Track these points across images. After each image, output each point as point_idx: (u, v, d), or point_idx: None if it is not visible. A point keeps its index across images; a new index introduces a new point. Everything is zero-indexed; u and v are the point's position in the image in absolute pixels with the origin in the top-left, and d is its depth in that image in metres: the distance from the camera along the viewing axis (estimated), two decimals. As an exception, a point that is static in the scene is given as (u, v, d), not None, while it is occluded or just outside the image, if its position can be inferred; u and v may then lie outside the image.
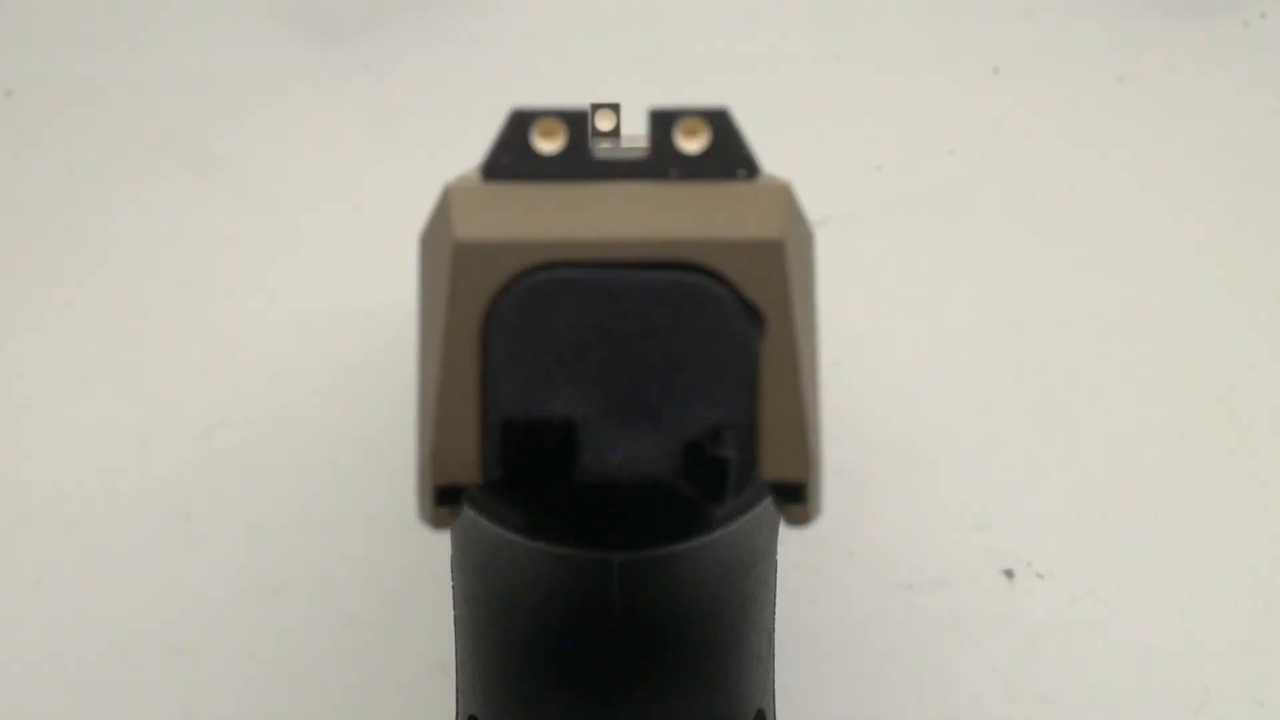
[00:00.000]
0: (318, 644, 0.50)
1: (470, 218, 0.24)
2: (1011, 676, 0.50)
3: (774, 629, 0.32)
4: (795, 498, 0.24)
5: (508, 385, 0.23)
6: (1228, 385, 0.53)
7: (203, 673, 0.50)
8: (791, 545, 0.32)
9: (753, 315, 0.23)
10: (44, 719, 0.50)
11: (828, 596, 0.50)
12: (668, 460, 0.23)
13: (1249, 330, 0.54)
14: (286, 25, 0.57)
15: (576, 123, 0.25)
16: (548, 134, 0.25)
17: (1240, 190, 0.56)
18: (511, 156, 0.25)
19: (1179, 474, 0.52)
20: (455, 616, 0.31)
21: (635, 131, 0.34)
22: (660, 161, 0.25)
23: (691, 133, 0.25)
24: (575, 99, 0.31)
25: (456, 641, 0.31)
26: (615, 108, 0.40)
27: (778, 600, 0.32)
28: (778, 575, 0.31)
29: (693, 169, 0.25)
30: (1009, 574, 0.51)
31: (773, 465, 0.23)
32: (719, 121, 0.25)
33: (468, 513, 0.28)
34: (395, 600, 0.50)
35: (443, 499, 0.24)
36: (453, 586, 0.31)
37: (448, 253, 0.23)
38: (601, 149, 0.27)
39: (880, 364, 0.53)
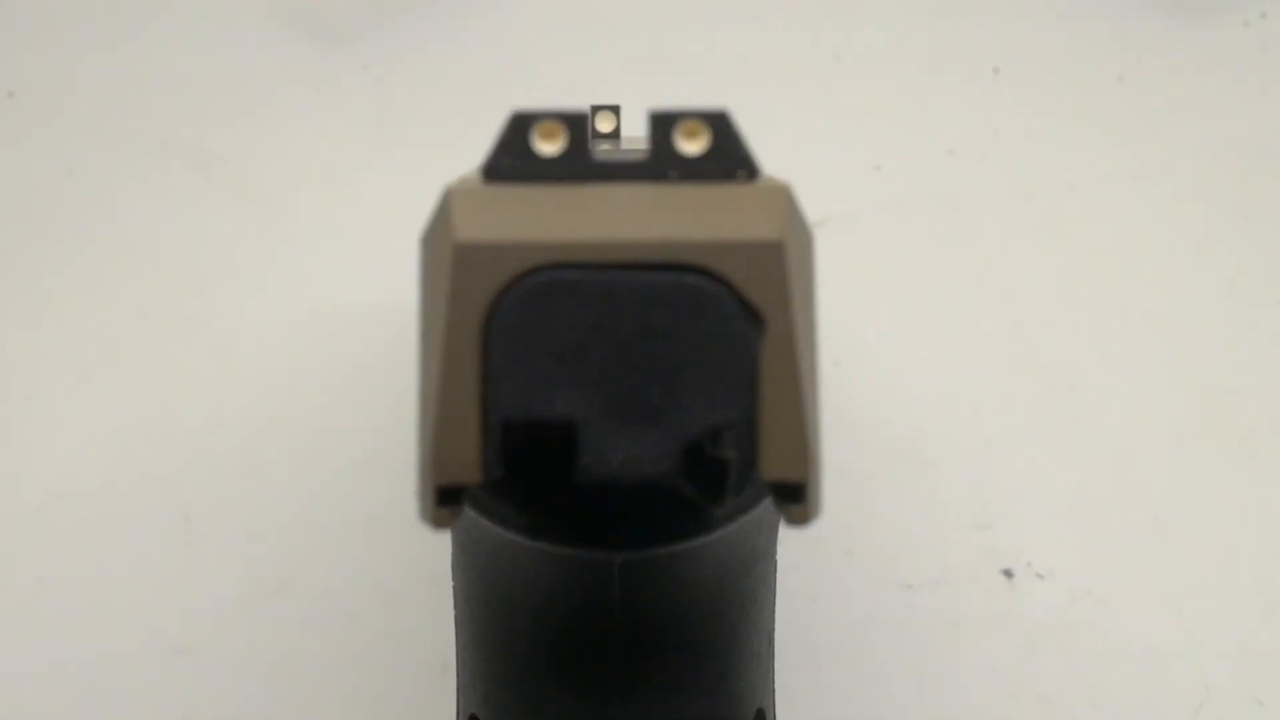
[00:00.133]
0: (318, 644, 0.50)
1: (471, 219, 0.24)
2: (1011, 676, 0.50)
3: (774, 629, 0.32)
4: (795, 498, 0.24)
5: (508, 386, 0.23)
6: (1228, 385, 0.53)
7: (203, 673, 0.50)
8: (791, 545, 0.33)
9: (752, 316, 0.23)
10: (44, 719, 0.50)
11: (828, 596, 0.50)
12: (668, 460, 0.23)
13: (1249, 330, 0.54)
14: (286, 25, 0.57)
15: (576, 124, 0.25)
16: (548, 136, 0.25)
17: (1240, 190, 0.56)
18: (512, 158, 0.25)
19: (1179, 474, 0.52)
20: (456, 616, 0.31)
21: (635, 133, 0.34)
22: (660, 163, 0.25)
23: (691, 134, 0.25)
24: (575, 100, 0.31)
25: (457, 641, 0.31)
26: (615, 109, 0.40)
27: (778, 600, 0.32)
28: (778, 575, 0.31)
29: (692, 170, 0.25)
30: (1009, 574, 0.51)
31: (772, 465, 0.23)
32: (719, 123, 0.25)
33: (468, 513, 0.28)
34: (396, 600, 0.50)
35: (443, 499, 0.24)
36: (453, 586, 0.31)
37: (448, 254, 0.23)
38: (601, 151, 0.27)
39: (880, 364, 0.53)
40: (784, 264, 0.23)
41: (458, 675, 0.32)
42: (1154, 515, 0.51)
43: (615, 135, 0.40)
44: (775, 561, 0.31)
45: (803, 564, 0.50)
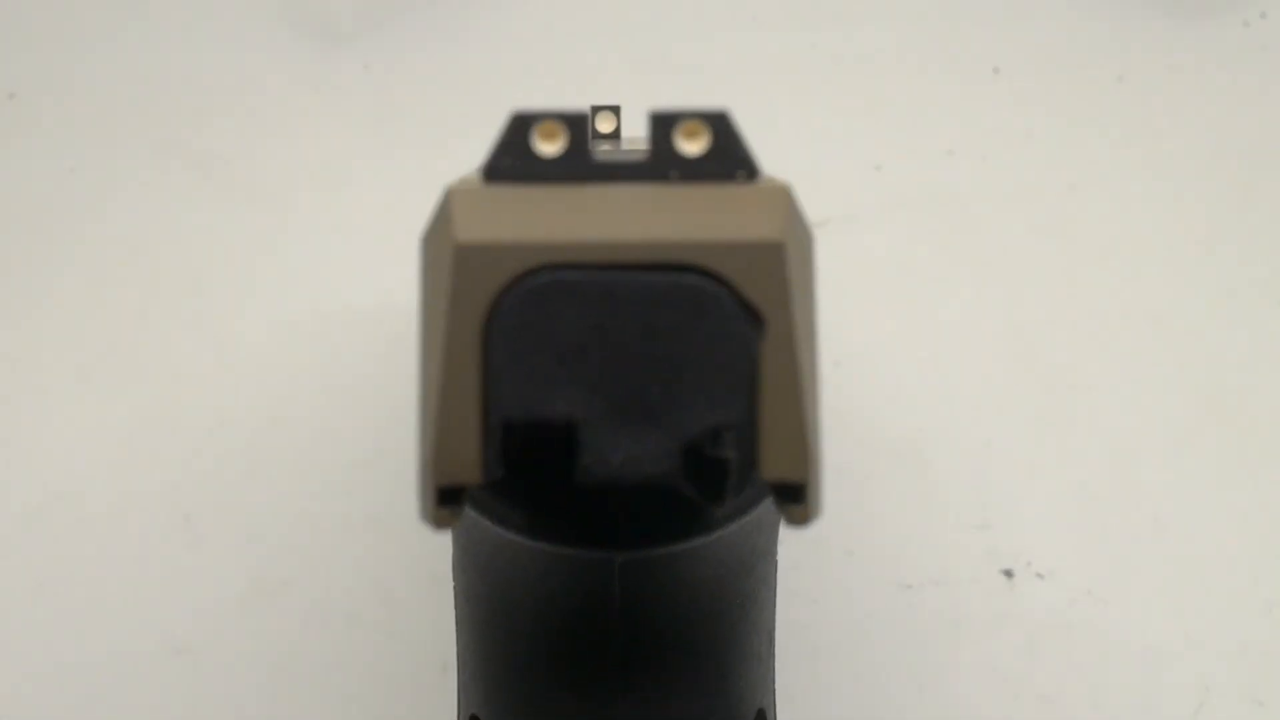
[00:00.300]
0: (319, 644, 0.50)
1: (471, 220, 0.24)
2: (1011, 676, 0.50)
3: (774, 628, 0.32)
4: (795, 498, 0.24)
5: (509, 386, 0.23)
6: (1228, 385, 0.53)
7: (203, 673, 0.50)
8: (792, 545, 0.33)
9: (753, 317, 0.23)
10: (44, 719, 0.50)
11: (828, 596, 0.50)
12: (668, 461, 0.23)
13: (1249, 330, 0.54)
14: (286, 26, 0.57)
15: (577, 125, 0.25)
16: (548, 136, 0.25)
17: (1240, 190, 0.56)
18: (512, 158, 0.25)
19: (1179, 474, 0.52)
20: (456, 616, 0.31)
21: (635, 133, 0.34)
22: (660, 163, 0.25)
23: (691, 135, 0.25)
24: (575, 101, 0.31)
25: (458, 641, 0.31)
26: (615, 110, 0.40)
27: (778, 600, 0.32)
28: (778, 575, 0.31)
29: (693, 171, 0.25)
30: (1009, 574, 0.51)
31: (773, 465, 0.23)
32: (719, 124, 0.25)
33: (469, 513, 0.28)
34: (396, 600, 0.50)
35: (444, 499, 0.24)
36: (454, 586, 0.31)
37: (449, 254, 0.23)
38: (602, 151, 0.27)
39: (880, 364, 0.53)
40: (784, 264, 0.23)
41: (458, 675, 0.32)
42: (1154, 515, 0.51)
43: (615, 135, 0.40)
44: (776, 561, 0.31)
45: (803, 564, 0.50)
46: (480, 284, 0.23)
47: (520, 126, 0.25)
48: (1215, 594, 0.51)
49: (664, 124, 0.25)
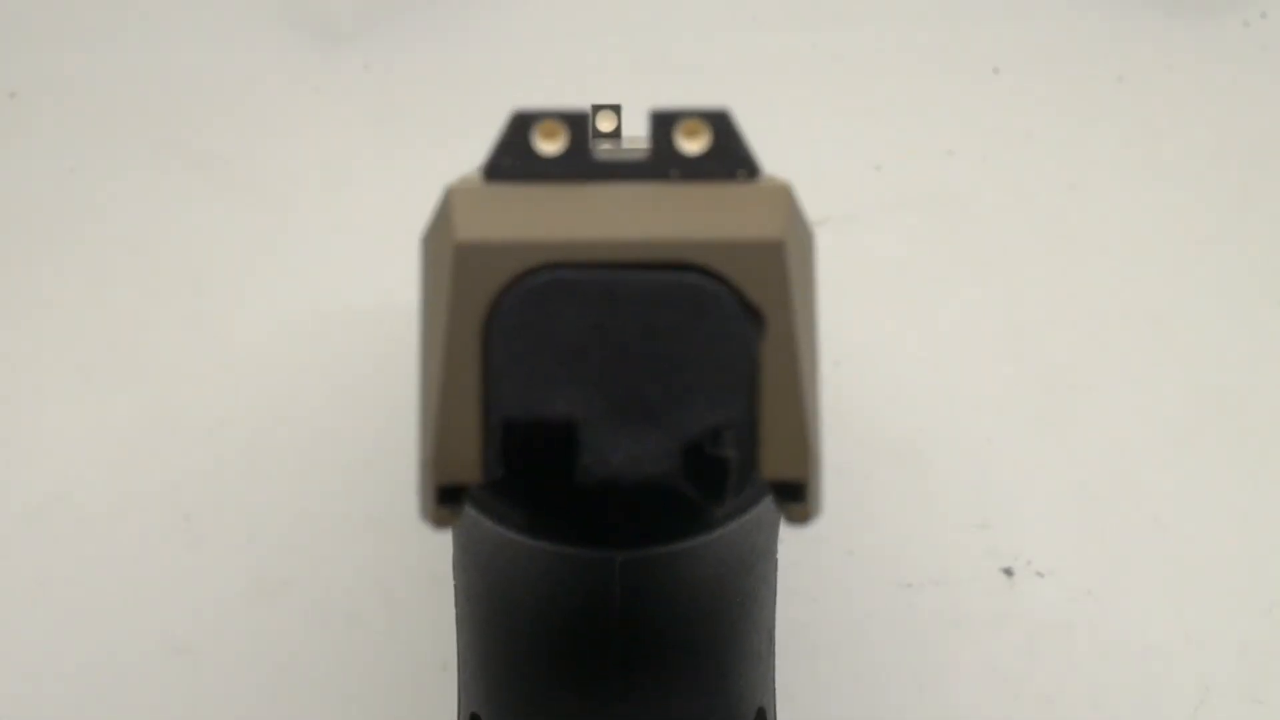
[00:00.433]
0: (319, 643, 0.50)
1: (472, 219, 0.24)
2: (1011, 676, 0.50)
3: (774, 627, 0.32)
4: (795, 497, 0.24)
5: (509, 385, 0.23)
6: (1228, 385, 0.53)
7: (204, 673, 0.50)
8: (792, 544, 0.33)
9: (753, 316, 0.23)
10: (45, 719, 0.50)
11: (828, 595, 0.50)
12: (668, 460, 0.23)
13: (1249, 330, 0.54)
14: (287, 25, 0.57)
15: (577, 124, 0.25)
16: (549, 135, 0.25)
17: (1240, 190, 0.56)
18: (513, 157, 0.25)
19: (1179, 474, 0.52)
20: (457, 615, 0.31)
21: (636, 132, 0.34)
22: (661, 162, 0.25)
23: (692, 134, 0.25)
24: (576, 100, 0.31)
25: (459, 640, 0.31)
26: (616, 109, 0.40)
27: (778, 599, 0.32)
28: (778, 574, 0.31)
29: (693, 170, 0.25)
30: (1009, 573, 0.51)
31: (773, 465, 0.23)
32: (719, 122, 0.25)
33: (469, 512, 0.28)
34: (396, 600, 0.50)
35: (444, 498, 0.24)
36: (454, 586, 0.31)
37: (449, 254, 0.23)
38: (602, 150, 0.27)
39: (880, 364, 0.53)
40: (785, 263, 0.23)
41: (459, 674, 0.32)
42: (1154, 515, 0.51)
43: (616, 135, 0.40)
44: (776, 560, 0.31)
45: (803, 563, 0.50)
46: (480, 283, 0.23)
47: (521, 126, 0.25)
48: (1215, 594, 0.51)
49: (665, 123, 0.25)
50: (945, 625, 0.50)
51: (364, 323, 0.53)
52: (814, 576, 0.50)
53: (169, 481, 0.52)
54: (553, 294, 0.23)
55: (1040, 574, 0.51)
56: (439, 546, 0.31)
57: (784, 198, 0.24)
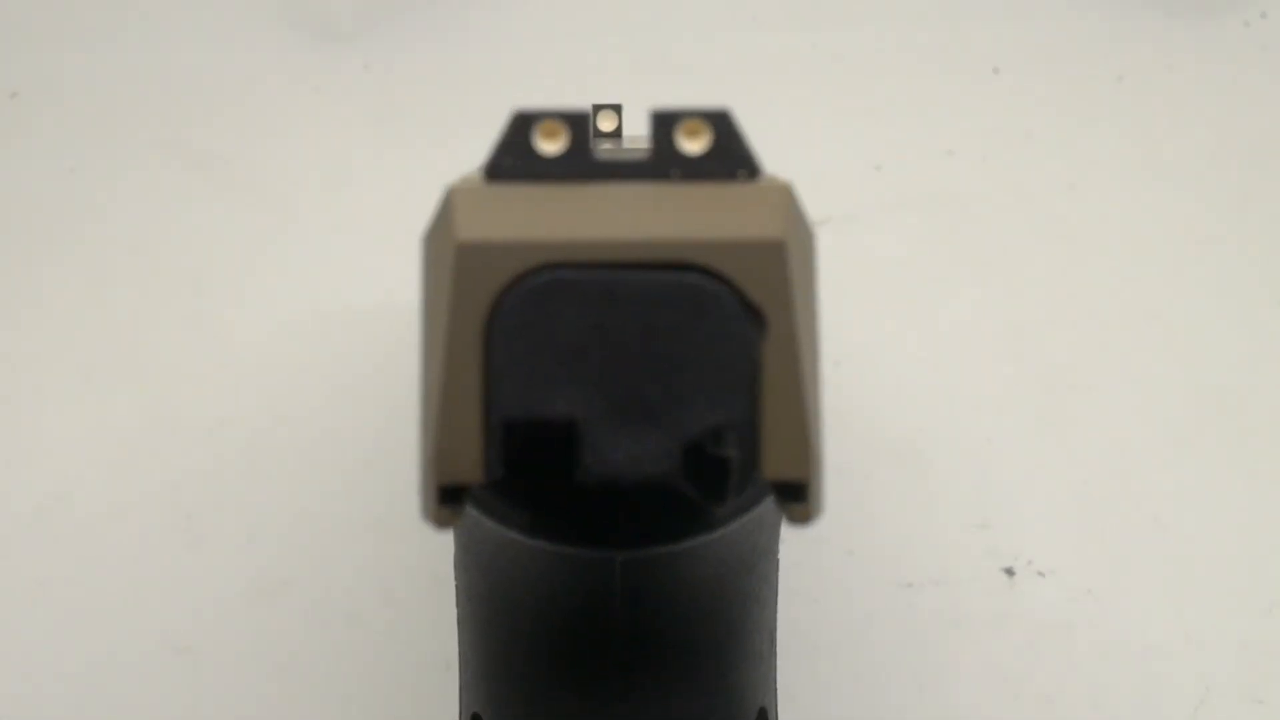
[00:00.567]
0: (320, 644, 0.50)
1: (473, 219, 0.24)
2: (1011, 676, 0.50)
3: (775, 627, 0.32)
4: (796, 497, 0.24)
5: (510, 385, 0.23)
6: (1228, 385, 0.53)
7: (204, 673, 0.50)
8: (792, 544, 0.33)
9: (754, 316, 0.23)
10: (45, 719, 0.50)
11: (828, 595, 0.50)
12: (669, 460, 0.23)
13: (1249, 330, 0.54)
14: (287, 25, 0.57)
15: (578, 124, 0.25)
16: (550, 135, 0.25)
17: (1240, 190, 0.56)
18: (513, 157, 0.25)
19: (1179, 473, 0.52)
20: (458, 615, 0.31)
21: (637, 132, 0.34)
22: (662, 162, 0.25)
23: (693, 133, 0.25)
24: (576, 100, 0.31)
25: (460, 640, 0.31)
26: (617, 109, 0.40)
27: (779, 599, 0.32)
28: (779, 574, 0.31)
29: (694, 170, 0.25)
30: (1009, 573, 0.51)
31: (774, 465, 0.23)
32: (720, 122, 0.25)
33: (470, 512, 0.28)
34: (398, 600, 0.50)
35: (445, 498, 0.24)
36: (456, 585, 0.31)
37: (450, 253, 0.23)
38: (603, 150, 0.27)
39: (880, 364, 0.53)
40: (785, 263, 0.23)
41: (460, 674, 0.32)
42: (1154, 514, 0.51)
43: (617, 134, 0.40)
44: (777, 560, 0.31)
45: (804, 563, 0.50)
46: (481, 283, 0.23)
47: (521, 125, 0.25)
48: (1215, 594, 0.51)
49: (665, 123, 0.25)
50: (945, 625, 0.50)
51: (364, 323, 0.53)
52: (814, 576, 0.50)
53: (169, 482, 0.52)
54: (554, 294, 0.23)
55: (1041, 574, 0.51)
56: (440, 547, 0.31)
57: (785, 198, 0.24)
